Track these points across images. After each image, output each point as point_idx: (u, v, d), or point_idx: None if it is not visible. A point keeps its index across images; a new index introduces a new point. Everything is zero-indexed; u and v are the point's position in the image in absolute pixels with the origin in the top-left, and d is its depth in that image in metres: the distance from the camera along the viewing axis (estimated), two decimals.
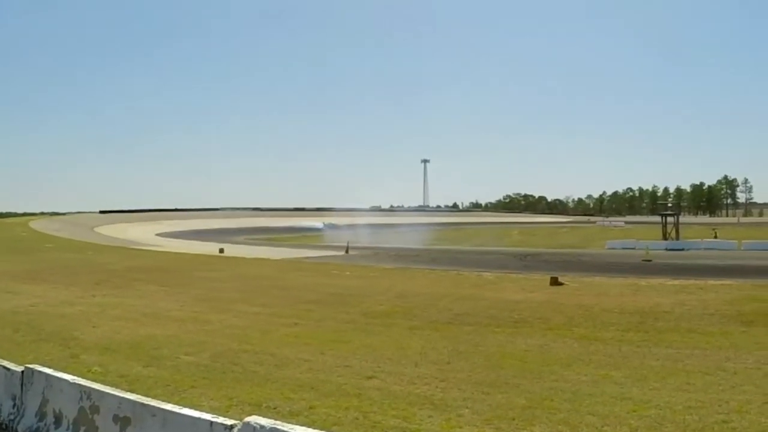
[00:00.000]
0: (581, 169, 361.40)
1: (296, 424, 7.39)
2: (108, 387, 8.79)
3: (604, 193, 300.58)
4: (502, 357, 15.44)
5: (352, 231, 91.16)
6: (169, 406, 7.83)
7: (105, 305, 24.52)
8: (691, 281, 30.79)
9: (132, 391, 8.89)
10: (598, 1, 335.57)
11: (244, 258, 51.16)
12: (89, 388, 8.69)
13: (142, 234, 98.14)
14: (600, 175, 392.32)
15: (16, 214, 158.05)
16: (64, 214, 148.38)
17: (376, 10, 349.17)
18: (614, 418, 10.63)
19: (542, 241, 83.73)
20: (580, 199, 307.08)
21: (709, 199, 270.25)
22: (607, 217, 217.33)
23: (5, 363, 10.48)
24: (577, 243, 79.07)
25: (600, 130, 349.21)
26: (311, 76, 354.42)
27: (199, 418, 7.40)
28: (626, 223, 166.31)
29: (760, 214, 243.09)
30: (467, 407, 11.27)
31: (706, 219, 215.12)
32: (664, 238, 70.67)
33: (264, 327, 19.86)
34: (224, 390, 12.35)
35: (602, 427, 10.26)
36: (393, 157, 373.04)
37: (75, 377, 9.30)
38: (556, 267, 42.31)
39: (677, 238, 70.55)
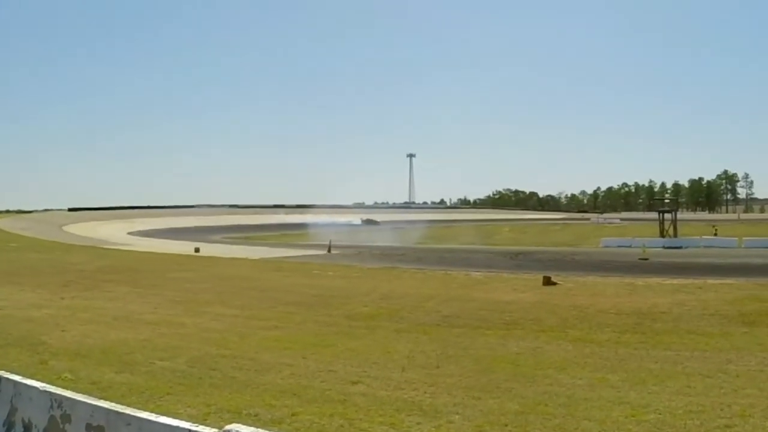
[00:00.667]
0: (574, 163, 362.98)
1: None
2: (80, 394, 8.74)
3: (599, 188, 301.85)
4: (493, 360, 15.48)
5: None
6: (144, 415, 7.80)
7: (74, 308, 24.44)
8: (690, 280, 30.95)
9: (105, 399, 8.84)
10: None
11: (220, 258, 51.07)
12: (60, 395, 8.64)
13: (114, 233, 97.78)
14: (594, 170, 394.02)
15: None
16: (31, 212, 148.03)
17: None
18: (611, 423, 10.68)
19: (534, 239, 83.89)
20: (573, 195, 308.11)
21: (708, 195, 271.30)
22: (602, 213, 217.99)
23: None
24: (570, 241, 79.32)
25: (594, 124, 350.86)
26: (290, 68, 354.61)
27: (176, 427, 7.36)
28: (622, 219, 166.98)
29: (762, 211, 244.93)
30: (458, 413, 11.30)
31: (705, 215, 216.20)
32: (662, 235, 70.74)
33: (242, 330, 19.86)
34: (202, 397, 12.33)
35: None
36: (377, 152, 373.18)
37: (45, 384, 9.24)
38: (549, 266, 42.41)
39: (675, 235, 70.77)
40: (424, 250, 63.90)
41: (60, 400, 8.58)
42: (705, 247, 62.14)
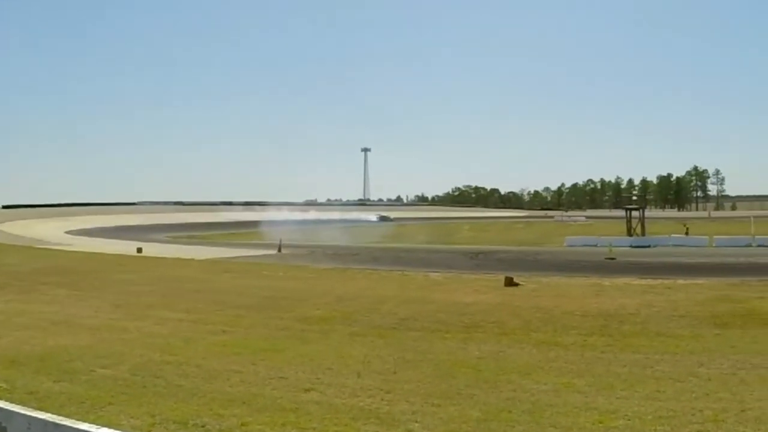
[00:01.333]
0: (538, 159, 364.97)
1: None
2: (15, 405, 8.62)
3: (563, 185, 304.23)
4: (454, 365, 15.53)
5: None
6: (84, 426, 7.70)
7: (9, 312, 24.11)
8: (659, 281, 31.33)
9: (42, 410, 8.73)
10: None
11: (165, 258, 50.66)
12: None
13: (51, 232, 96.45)
14: (558, 166, 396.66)
15: None
16: None
17: None
18: (578, 430, 10.76)
19: (495, 238, 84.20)
20: (536, 192, 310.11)
21: (678, 192, 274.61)
22: (566, 211, 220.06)
23: None
24: (533, 240, 79.74)
25: (559, 117, 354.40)
26: (235, 57, 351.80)
27: None
28: (587, 217, 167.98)
29: (733, 208, 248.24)
30: (416, 421, 11.30)
31: (674, 213, 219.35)
32: (629, 234, 71.40)
33: (188, 335, 19.71)
34: (146, 406, 12.19)
35: None
36: (330, 147, 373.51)
37: None
38: (511, 266, 42.59)
39: (643, 233, 71.38)
40: (380, 250, 63.81)
41: None
42: (674, 246, 62.78)
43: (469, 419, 11.35)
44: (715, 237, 65.87)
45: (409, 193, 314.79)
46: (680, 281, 31.10)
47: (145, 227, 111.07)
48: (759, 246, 58.70)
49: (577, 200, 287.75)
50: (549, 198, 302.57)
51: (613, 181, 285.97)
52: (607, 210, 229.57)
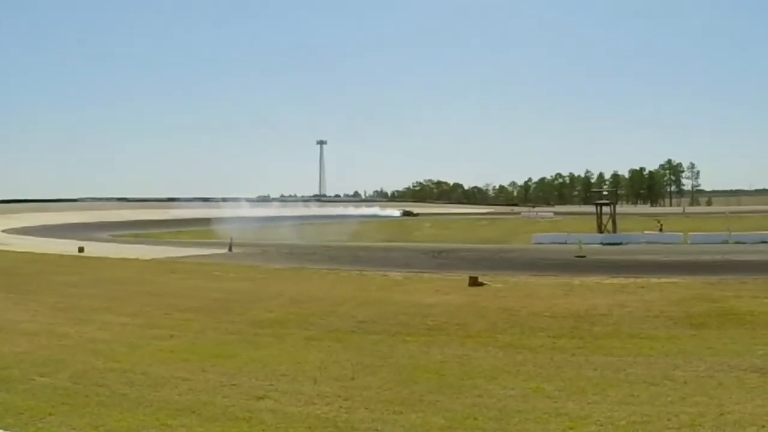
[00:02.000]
0: (503, 152, 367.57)
1: None
2: None
3: (530, 179, 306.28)
4: (415, 370, 15.53)
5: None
6: None
7: None
8: (632, 279, 31.60)
9: None
10: None
11: (108, 258, 50.18)
12: None
13: None
14: (525, 160, 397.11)
15: None
16: None
17: None
18: None
19: (459, 235, 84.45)
20: (501, 187, 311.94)
21: (651, 187, 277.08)
22: (534, 207, 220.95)
23: None
24: (499, 237, 79.98)
25: (525, 108, 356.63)
26: (188, 52, 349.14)
27: None
28: (555, 213, 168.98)
29: (709, 203, 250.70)
30: (376, 430, 11.29)
31: (647, 209, 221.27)
32: (600, 230, 71.78)
33: (134, 341, 19.50)
34: (88, 417, 12.07)
35: None
36: (284, 139, 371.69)
37: None
38: (476, 265, 42.86)
39: (614, 230, 71.86)
40: (337, 248, 63.77)
41: None
42: (647, 243, 63.43)
43: (432, 427, 11.35)
44: (690, 233, 66.40)
45: (367, 188, 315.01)
46: (654, 280, 31.36)
47: (88, 225, 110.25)
48: (736, 243, 59.48)
49: (544, 195, 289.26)
50: (515, 193, 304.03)
51: (582, 175, 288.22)
52: (577, 205, 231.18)
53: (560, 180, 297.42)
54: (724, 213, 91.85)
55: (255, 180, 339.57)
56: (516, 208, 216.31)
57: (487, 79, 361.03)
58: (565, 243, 63.77)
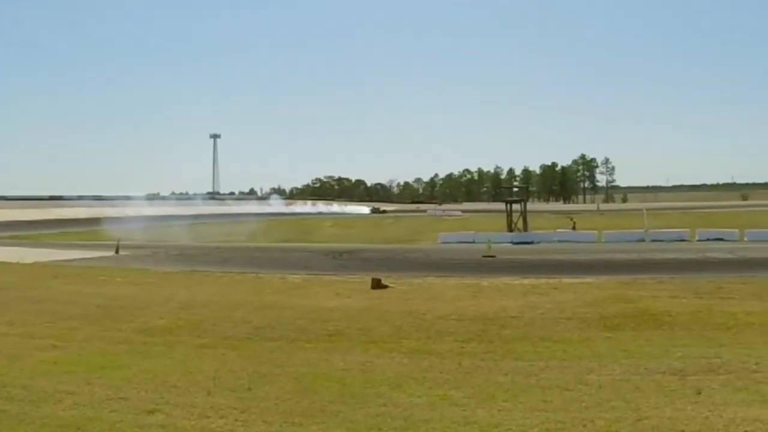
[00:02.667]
0: (408, 147, 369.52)
1: None
2: None
3: (436, 175, 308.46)
4: (316, 379, 15.53)
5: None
6: None
7: None
8: (543, 280, 32.09)
9: None
10: None
11: None
12: None
13: None
14: (431, 155, 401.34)
15: None
16: None
17: None
18: None
19: (361, 235, 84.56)
20: (407, 183, 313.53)
21: (563, 183, 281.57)
22: (440, 204, 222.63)
23: None
24: (403, 236, 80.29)
25: (432, 102, 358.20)
26: (71, 36, 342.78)
27: None
28: (463, 211, 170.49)
29: (624, 200, 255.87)
30: None
31: (560, 206, 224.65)
32: (510, 229, 72.49)
33: (12, 352, 19.09)
34: None
35: None
36: (175, 133, 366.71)
37: None
38: (379, 266, 42.93)
39: (525, 228, 72.62)
40: (231, 249, 63.36)
41: None
42: (560, 242, 64.27)
43: None
44: (604, 231, 67.41)
45: (264, 185, 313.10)
46: (567, 280, 31.91)
47: None
48: (652, 241, 60.69)
49: (452, 192, 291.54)
50: (421, 190, 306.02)
51: (491, 171, 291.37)
52: (486, 203, 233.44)
53: (468, 176, 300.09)
54: (640, 210, 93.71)
55: (147, 176, 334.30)
56: (422, 206, 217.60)
57: (389, 71, 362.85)
58: (474, 242, 64.17)
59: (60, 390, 14.84)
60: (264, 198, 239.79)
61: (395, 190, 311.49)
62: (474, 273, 37.80)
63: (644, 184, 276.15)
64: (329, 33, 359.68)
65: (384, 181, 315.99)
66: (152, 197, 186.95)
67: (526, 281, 32.11)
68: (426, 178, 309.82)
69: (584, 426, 11.56)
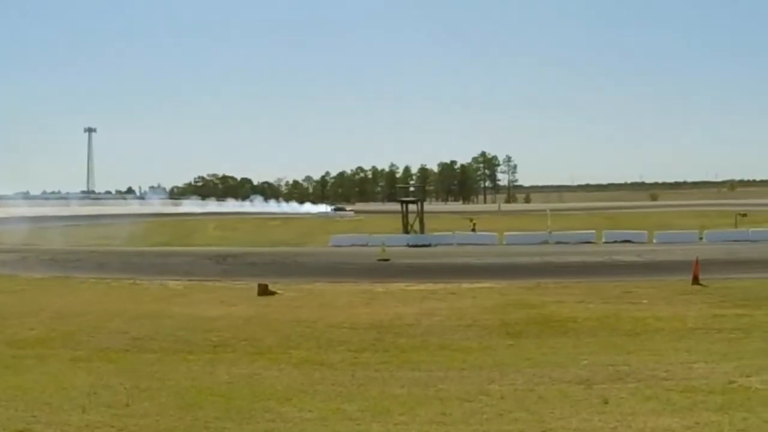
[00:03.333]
0: (296, 144, 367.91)
1: None
2: None
3: (328, 174, 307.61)
4: (199, 393, 15.47)
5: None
6: None
7: None
8: (441, 285, 32.40)
9: None
10: None
11: None
12: None
13: None
14: (322, 152, 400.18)
15: None
16: None
17: None
18: None
19: (246, 238, 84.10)
20: (296, 182, 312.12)
21: (463, 182, 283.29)
22: (332, 204, 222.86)
23: None
24: (292, 239, 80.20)
25: (323, 95, 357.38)
26: None
27: None
28: (356, 212, 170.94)
29: (527, 200, 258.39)
30: None
31: (459, 206, 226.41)
32: (406, 231, 72.77)
33: None
34: None
35: None
36: (44, 126, 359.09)
37: None
38: (266, 271, 42.83)
39: (422, 230, 72.95)
40: (106, 254, 62.55)
41: None
42: (459, 244, 64.82)
43: None
44: (506, 233, 68.22)
45: (143, 183, 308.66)
46: (466, 285, 32.23)
47: None
48: (557, 243, 61.65)
49: (344, 191, 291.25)
50: (311, 189, 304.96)
51: (386, 169, 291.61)
52: (380, 203, 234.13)
53: (361, 174, 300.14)
54: (544, 210, 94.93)
55: (16, 173, 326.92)
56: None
57: (277, 65, 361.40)
58: (367, 245, 64.34)
59: None
60: (142, 197, 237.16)
61: (284, 189, 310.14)
62: (368, 278, 37.94)
63: (548, 184, 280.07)
64: (210, 27, 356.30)
65: (272, 179, 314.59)
66: (21, 196, 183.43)
67: (422, 286, 32.35)
68: (316, 177, 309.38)
69: None
